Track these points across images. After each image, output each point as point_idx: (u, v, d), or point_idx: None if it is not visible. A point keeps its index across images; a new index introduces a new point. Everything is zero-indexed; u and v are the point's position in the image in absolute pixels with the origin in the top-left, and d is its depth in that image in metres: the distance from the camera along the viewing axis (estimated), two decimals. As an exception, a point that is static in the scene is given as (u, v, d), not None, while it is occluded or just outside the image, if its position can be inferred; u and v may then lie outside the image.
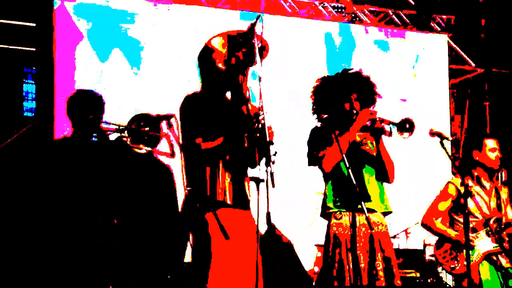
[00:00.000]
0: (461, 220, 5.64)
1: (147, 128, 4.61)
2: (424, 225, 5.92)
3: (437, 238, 5.92)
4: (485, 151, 5.79)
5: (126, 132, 4.58)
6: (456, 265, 5.72)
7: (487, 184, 5.84)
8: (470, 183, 5.78)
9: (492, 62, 11.16)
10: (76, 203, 4.61)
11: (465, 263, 5.57)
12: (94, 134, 4.68)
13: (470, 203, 5.69)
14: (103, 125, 4.65)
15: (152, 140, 4.67)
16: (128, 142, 4.56)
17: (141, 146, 4.65)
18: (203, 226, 4.09)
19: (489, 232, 5.69)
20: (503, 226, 5.70)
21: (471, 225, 5.57)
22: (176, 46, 9.13)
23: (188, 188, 4.04)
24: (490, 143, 5.82)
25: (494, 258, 5.67)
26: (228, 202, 4.20)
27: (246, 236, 4.25)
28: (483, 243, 5.68)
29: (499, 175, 6.22)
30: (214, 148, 4.20)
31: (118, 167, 4.75)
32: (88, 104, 4.65)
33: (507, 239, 5.70)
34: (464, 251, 5.62)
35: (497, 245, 5.66)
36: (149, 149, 4.74)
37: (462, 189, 5.45)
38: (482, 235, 5.70)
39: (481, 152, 5.80)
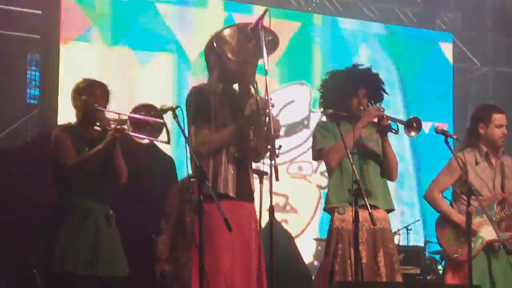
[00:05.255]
0: (465, 198, 5.05)
1: (149, 118, 4.58)
2: (426, 198, 5.46)
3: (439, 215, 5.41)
4: (491, 125, 5.32)
5: (128, 122, 4.57)
6: (459, 252, 5.23)
7: (493, 160, 5.37)
8: (478, 158, 5.36)
9: (497, 61, 11.18)
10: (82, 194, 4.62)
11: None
12: (97, 124, 4.64)
13: (476, 180, 5.27)
14: (107, 115, 4.62)
15: (154, 130, 4.65)
16: (130, 132, 4.54)
17: (142, 136, 4.64)
18: (206, 217, 4.08)
19: (493, 217, 5.18)
20: (507, 209, 5.22)
21: (475, 205, 5.08)
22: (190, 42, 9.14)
23: (192, 179, 4.02)
24: (498, 118, 5.34)
25: (496, 246, 5.17)
26: (231, 194, 4.20)
27: (248, 229, 4.25)
28: (486, 230, 5.19)
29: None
30: (219, 140, 4.21)
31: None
32: (93, 94, 4.62)
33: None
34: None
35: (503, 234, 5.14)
36: (152, 138, 4.73)
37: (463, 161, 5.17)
38: (486, 220, 5.13)
39: (487, 127, 5.33)
